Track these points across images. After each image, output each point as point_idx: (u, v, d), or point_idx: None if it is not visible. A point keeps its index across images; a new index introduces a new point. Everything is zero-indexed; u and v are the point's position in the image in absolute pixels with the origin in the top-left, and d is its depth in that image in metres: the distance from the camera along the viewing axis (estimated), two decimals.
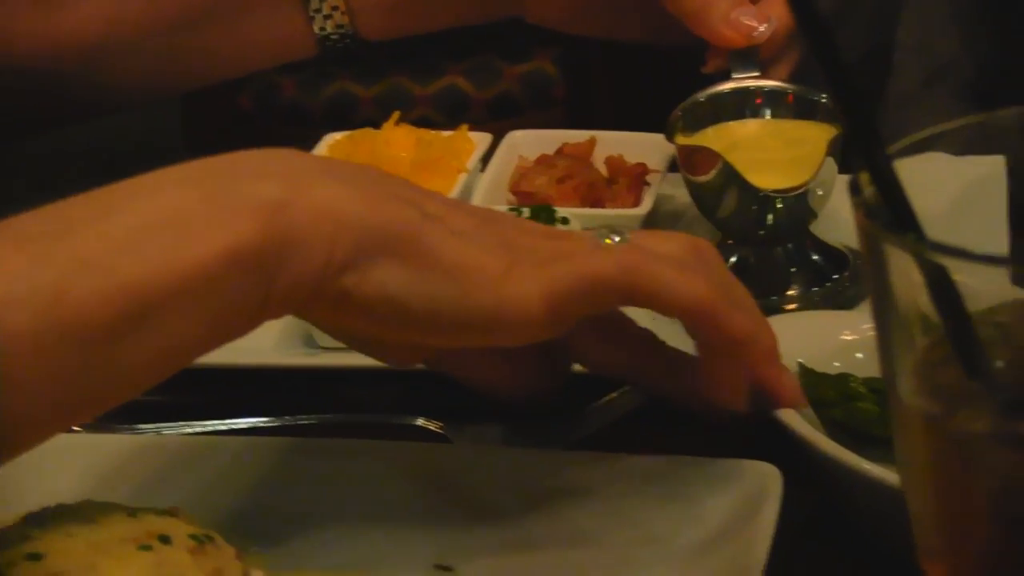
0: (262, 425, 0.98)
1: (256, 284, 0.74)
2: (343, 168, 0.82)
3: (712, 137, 1.11)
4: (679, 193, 1.21)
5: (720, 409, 0.86)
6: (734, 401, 0.85)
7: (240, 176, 0.76)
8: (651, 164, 1.17)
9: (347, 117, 1.39)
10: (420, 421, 0.97)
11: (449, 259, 0.78)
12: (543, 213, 1.06)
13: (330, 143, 1.21)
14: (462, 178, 1.16)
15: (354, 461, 0.88)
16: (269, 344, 1.07)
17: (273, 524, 0.85)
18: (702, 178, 1.08)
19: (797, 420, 0.84)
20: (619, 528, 0.83)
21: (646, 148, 1.19)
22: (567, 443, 0.93)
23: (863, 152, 0.58)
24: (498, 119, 1.39)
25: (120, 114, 1.36)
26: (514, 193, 1.16)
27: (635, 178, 1.15)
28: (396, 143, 1.18)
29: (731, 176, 1.05)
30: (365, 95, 1.42)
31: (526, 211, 1.07)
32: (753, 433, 0.87)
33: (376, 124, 1.23)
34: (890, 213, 0.58)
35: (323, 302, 0.77)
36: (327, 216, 0.76)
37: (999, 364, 0.58)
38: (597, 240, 0.84)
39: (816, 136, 1.07)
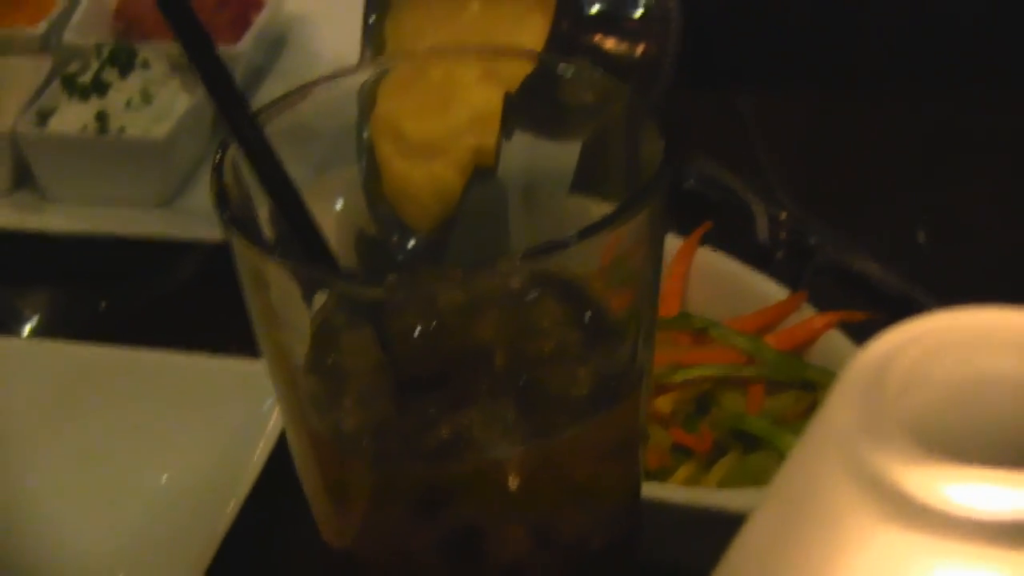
0: None
1: None
2: None
3: None
4: (299, 15, 1.15)
5: None
6: None
7: None
8: None
9: None
10: None
11: None
12: (123, 54, 1.00)
13: None
14: (57, 8, 1.08)
15: None
16: None
17: None
18: None
19: None
20: (128, 430, 0.80)
21: None
22: None
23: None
24: None
25: None
26: (118, 18, 1.09)
27: (241, 10, 1.08)
28: None
29: None
30: None
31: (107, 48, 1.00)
32: None
33: None
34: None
35: None
36: None
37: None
38: None
39: None
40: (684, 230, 0.92)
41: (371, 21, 0.81)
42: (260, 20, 1.07)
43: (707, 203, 0.95)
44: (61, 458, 0.79)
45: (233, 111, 0.53)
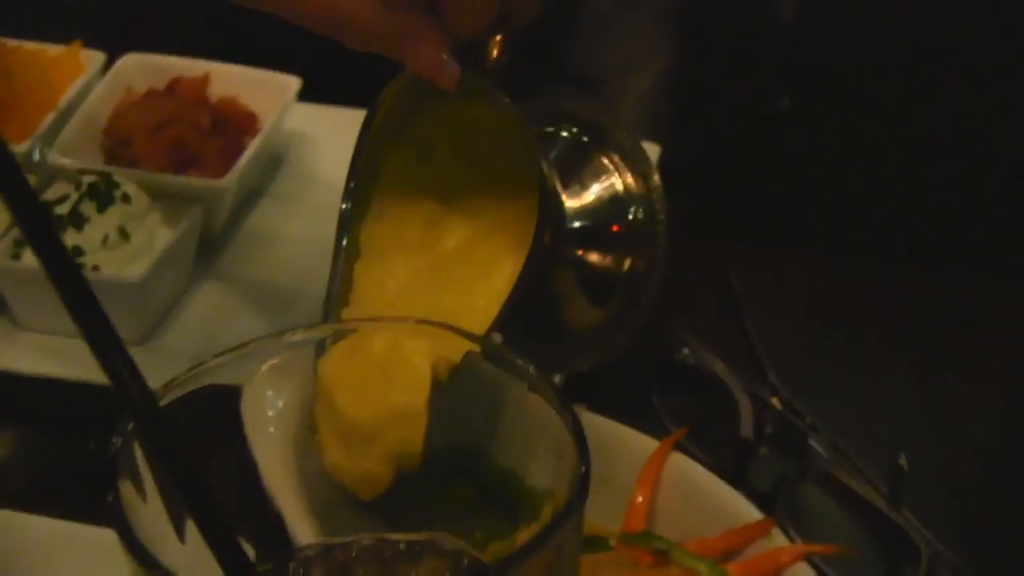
0: None
1: None
2: None
3: None
4: (301, 133, 1.12)
5: None
6: None
7: None
8: (266, 108, 1.07)
9: None
10: None
11: None
12: (103, 183, 0.97)
13: None
14: (49, 118, 1.06)
15: None
16: None
17: None
18: None
19: None
20: None
21: (267, 88, 1.09)
22: None
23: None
24: None
25: None
26: (107, 135, 1.06)
27: (236, 133, 1.04)
28: None
29: None
30: None
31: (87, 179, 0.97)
32: None
33: None
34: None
35: None
36: None
37: None
38: None
39: None
40: (672, 411, 0.89)
41: (346, 225, 0.79)
42: (253, 147, 1.03)
43: (699, 378, 0.92)
44: None
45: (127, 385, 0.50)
